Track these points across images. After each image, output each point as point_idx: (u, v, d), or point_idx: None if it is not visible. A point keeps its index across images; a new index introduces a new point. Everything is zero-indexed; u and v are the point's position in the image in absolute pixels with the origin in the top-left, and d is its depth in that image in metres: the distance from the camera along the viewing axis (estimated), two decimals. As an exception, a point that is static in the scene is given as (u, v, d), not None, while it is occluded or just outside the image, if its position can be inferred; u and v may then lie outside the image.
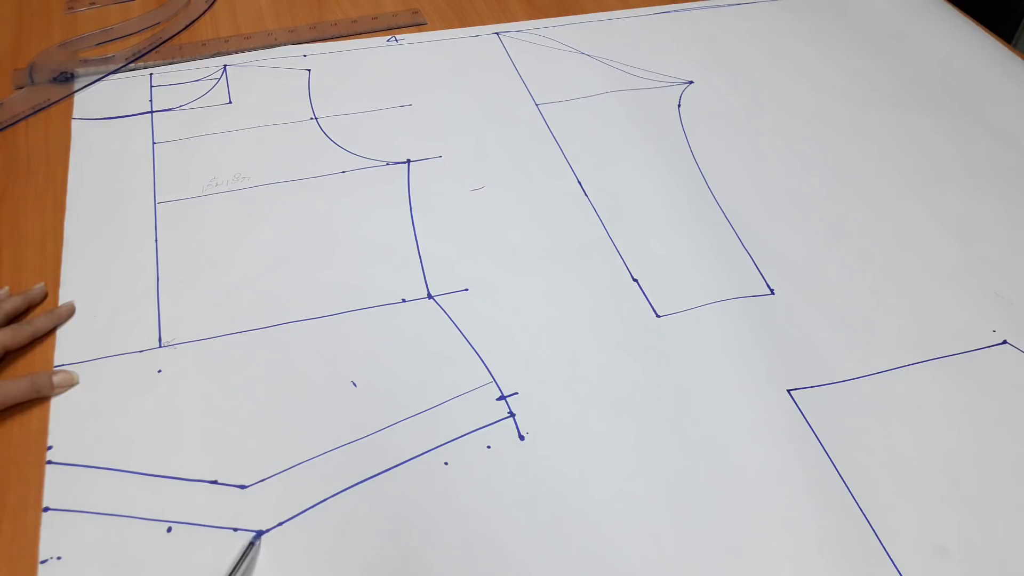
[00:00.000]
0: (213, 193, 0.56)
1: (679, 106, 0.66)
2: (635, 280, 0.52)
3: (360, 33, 0.72)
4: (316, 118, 0.63)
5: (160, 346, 0.47)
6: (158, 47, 0.69)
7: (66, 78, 0.65)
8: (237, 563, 0.38)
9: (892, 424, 0.46)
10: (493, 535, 0.40)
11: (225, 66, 0.67)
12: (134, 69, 0.67)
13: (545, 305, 0.51)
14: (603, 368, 0.47)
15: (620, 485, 0.42)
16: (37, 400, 0.44)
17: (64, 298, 0.49)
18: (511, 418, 0.45)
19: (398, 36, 0.71)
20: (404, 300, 0.50)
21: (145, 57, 0.68)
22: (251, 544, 0.39)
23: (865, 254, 0.55)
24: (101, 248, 0.52)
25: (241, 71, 0.67)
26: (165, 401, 0.45)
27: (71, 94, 0.64)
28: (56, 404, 0.44)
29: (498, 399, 0.46)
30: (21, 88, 0.64)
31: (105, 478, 0.41)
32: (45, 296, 0.50)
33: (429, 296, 0.51)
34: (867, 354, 0.49)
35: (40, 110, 0.62)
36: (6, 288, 0.49)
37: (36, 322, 0.47)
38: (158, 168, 0.58)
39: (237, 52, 0.69)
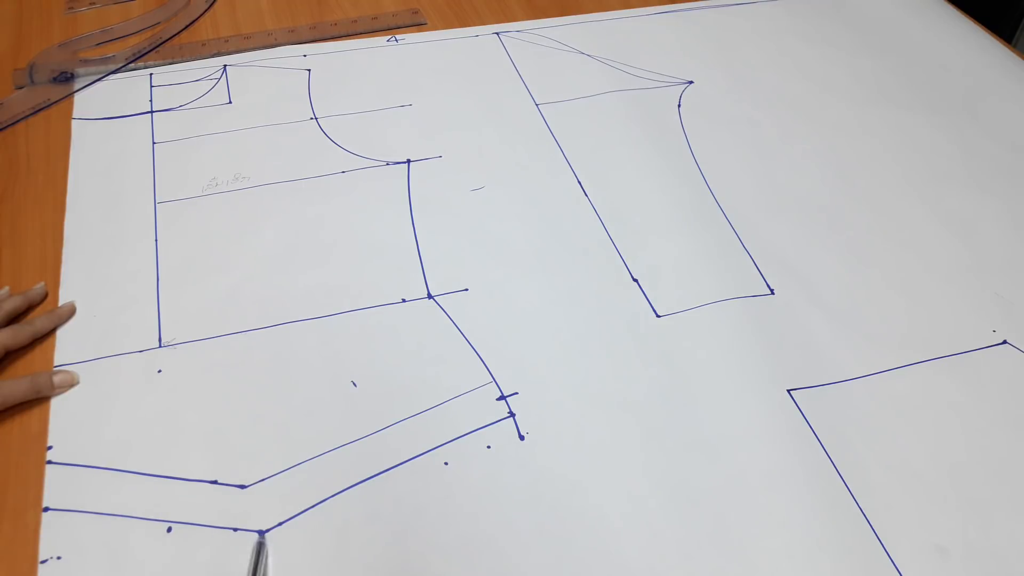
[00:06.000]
0: (213, 193, 0.56)
1: (679, 106, 0.66)
2: (635, 280, 0.52)
3: (360, 33, 0.72)
4: (316, 118, 0.63)
5: (160, 346, 0.47)
6: (158, 47, 0.69)
7: (66, 78, 0.65)
8: (255, 565, 0.38)
9: (892, 424, 0.46)
10: (493, 535, 0.40)
11: (225, 66, 0.67)
12: (134, 69, 0.67)
13: (545, 305, 0.51)
14: (603, 368, 0.47)
15: (620, 485, 0.42)
16: (37, 400, 0.44)
17: (64, 298, 0.49)
18: (511, 418, 0.45)
19: (398, 36, 0.71)
20: (404, 300, 0.50)
21: (145, 57, 0.68)
22: (260, 544, 0.39)
23: (865, 254, 0.55)
24: (101, 248, 0.52)
25: (241, 71, 0.67)
26: (165, 401, 0.45)
27: (71, 94, 0.64)
28: (56, 404, 0.44)
29: (498, 399, 0.46)
30: (21, 88, 0.64)
31: (105, 478, 0.41)
32: (45, 296, 0.50)
33: (429, 296, 0.51)
34: (867, 354, 0.49)
35: (40, 110, 0.62)
36: (6, 288, 0.49)
37: (36, 322, 0.47)
38: (158, 168, 0.58)
39: (237, 52, 0.69)
